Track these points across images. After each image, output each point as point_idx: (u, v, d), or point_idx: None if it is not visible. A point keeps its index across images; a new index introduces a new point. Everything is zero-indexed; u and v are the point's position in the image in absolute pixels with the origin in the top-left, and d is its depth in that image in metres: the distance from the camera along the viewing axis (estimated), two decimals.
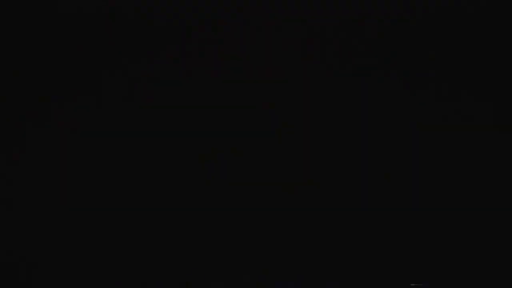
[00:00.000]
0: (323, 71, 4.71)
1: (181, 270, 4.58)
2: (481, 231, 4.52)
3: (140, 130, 4.68)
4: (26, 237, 4.58)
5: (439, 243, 4.53)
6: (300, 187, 4.65)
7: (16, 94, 4.69)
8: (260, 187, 4.67)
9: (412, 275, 4.49)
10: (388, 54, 4.70)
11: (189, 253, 4.58)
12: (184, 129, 4.68)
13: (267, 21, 4.72)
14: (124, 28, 4.73)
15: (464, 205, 4.55)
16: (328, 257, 4.56)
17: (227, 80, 4.73)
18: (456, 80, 4.66)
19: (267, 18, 4.73)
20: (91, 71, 4.72)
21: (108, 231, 4.60)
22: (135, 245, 4.59)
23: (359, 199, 4.62)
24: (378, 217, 4.59)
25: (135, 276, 4.57)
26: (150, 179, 4.64)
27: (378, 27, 4.70)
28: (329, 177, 4.66)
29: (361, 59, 4.70)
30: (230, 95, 4.73)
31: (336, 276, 4.52)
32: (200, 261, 4.59)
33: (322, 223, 4.61)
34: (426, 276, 4.47)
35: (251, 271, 4.56)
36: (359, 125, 4.68)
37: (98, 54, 4.72)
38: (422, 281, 4.46)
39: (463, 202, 4.56)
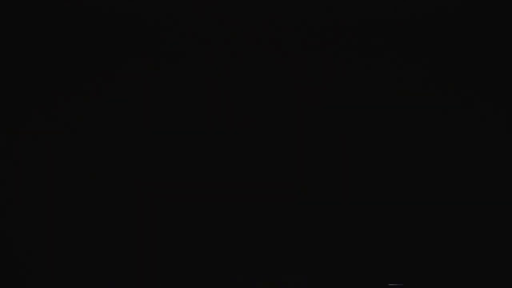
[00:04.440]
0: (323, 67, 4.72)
1: (175, 270, 4.59)
2: (462, 231, 4.52)
3: (136, 130, 4.70)
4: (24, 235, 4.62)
5: (419, 243, 4.52)
6: (290, 187, 4.67)
7: (13, 93, 4.73)
8: (254, 189, 4.69)
9: (390, 274, 4.48)
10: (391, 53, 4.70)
11: (183, 252, 4.60)
12: (182, 128, 4.70)
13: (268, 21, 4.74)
14: (122, 28, 4.76)
15: (447, 205, 4.56)
16: (308, 256, 4.56)
17: (227, 79, 4.75)
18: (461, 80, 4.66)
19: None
20: (89, 70, 4.74)
21: (102, 230, 4.63)
22: (129, 244, 4.61)
23: (343, 198, 4.63)
24: (357, 216, 4.60)
25: (130, 276, 4.59)
26: (145, 178, 4.65)
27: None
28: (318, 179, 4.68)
29: (362, 57, 4.71)
30: (229, 95, 4.75)
31: (314, 274, 4.52)
32: (195, 261, 4.60)
33: (307, 224, 4.61)
34: (404, 276, 4.47)
35: (244, 271, 4.58)
36: (358, 125, 4.69)
37: (96, 53, 4.75)
38: (400, 281, 4.45)
39: (446, 201, 4.56)
